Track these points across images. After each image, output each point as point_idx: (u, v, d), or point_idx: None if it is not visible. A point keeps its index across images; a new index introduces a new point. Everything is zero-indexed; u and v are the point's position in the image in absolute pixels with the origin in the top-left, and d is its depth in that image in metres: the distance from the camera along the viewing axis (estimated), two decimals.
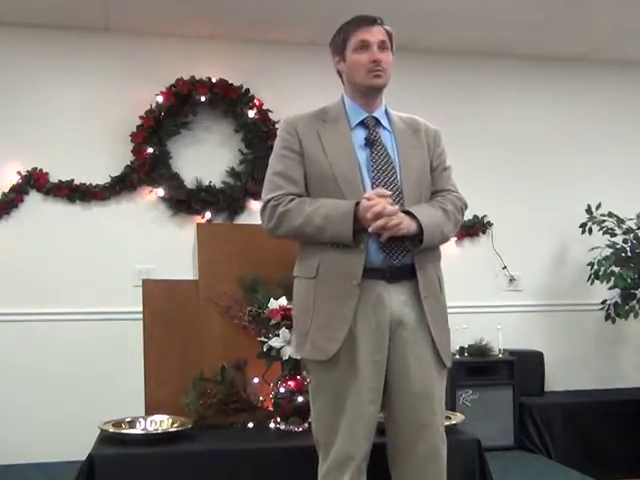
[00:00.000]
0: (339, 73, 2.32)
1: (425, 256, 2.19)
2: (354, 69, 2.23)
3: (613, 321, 4.58)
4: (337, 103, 2.32)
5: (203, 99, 4.37)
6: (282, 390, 2.69)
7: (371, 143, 2.23)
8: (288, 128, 2.27)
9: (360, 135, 2.25)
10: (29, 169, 4.20)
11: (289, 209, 2.16)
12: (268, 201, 2.20)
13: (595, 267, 4.52)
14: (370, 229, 2.07)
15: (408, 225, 2.11)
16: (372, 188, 2.15)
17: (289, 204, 2.17)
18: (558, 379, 4.69)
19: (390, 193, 2.12)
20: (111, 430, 2.64)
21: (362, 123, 2.26)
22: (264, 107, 4.45)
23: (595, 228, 4.57)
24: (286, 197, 2.18)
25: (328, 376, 2.13)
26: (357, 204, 2.10)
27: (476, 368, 4.25)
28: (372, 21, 2.23)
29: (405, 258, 2.16)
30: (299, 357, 2.25)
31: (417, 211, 2.15)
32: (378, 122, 2.28)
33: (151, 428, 2.71)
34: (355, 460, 2.11)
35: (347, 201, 2.12)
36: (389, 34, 2.26)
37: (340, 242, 2.11)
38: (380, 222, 2.05)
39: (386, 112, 2.32)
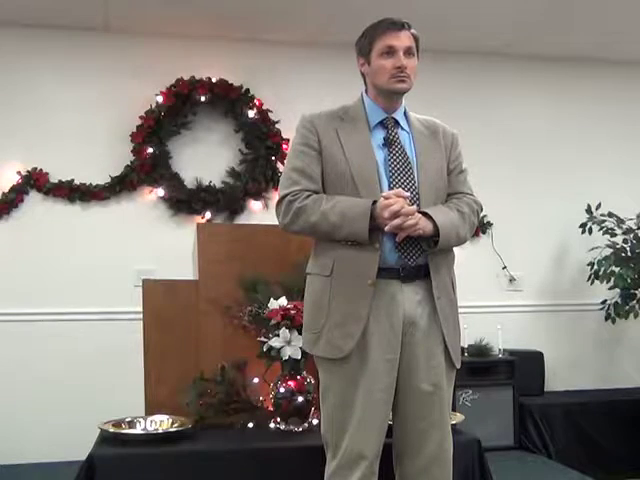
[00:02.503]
0: (362, 74, 2.32)
1: (439, 257, 2.20)
2: (378, 73, 2.22)
3: (613, 321, 4.58)
4: (356, 102, 2.31)
5: (203, 99, 4.37)
6: (282, 390, 2.69)
7: (389, 143, 2.23)
8: (307, 125, 2.25)
9: (379, 135, 2.25)
10: (29, 169, 4.20)
11: (305, 205, 2.16)
12: (284, 196, 2.19)
13: (595, 267, 4.53)
14: (386, 228, 2.08)
15: (424, 226, 2.12)
16: (389, 188, 2.16)
17: (305, 200, 2.16)
18: (558, 379, 4.69)
19: (409, 195, 2.12)
20: (111, 430, 2.63)
21: (381, 123, 2.26)
22: (264, 107, 4.45)
23: (595, 228, 4.57)
24: (303, 193, 2.18)
25: (340, 375, 2.13)
26: (374, 203, 2.10)
27: (476, 368, 4.25)
28: (400, 26, 2.21)
29: (419, 258, 2.17)
30: (312, 354, 2.23)
31: (433, 212, 2.16)
32: (397, 123, 2.28)
33: (151, 428, 2.70)
34: (366, 459, 2.10)
35: (364, 199, 2.13)
36: (416, 39, 2.25)
37: (355, 240, 2.11)
38: (397, 221, 2.06)
39: (405, 114, 2.32)
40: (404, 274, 2.15)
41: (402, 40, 2.20)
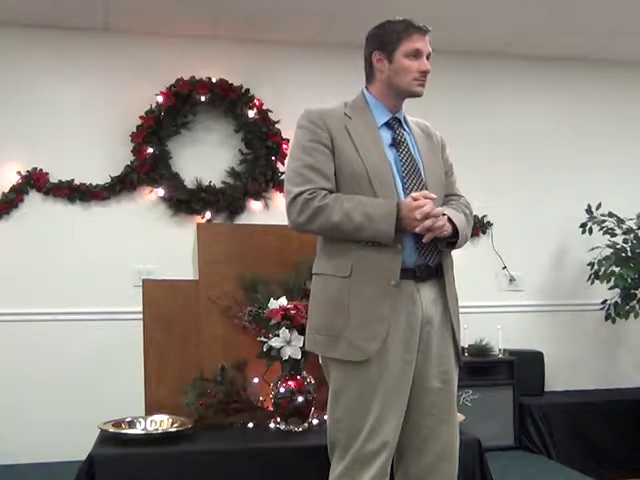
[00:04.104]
0: (371, 67, 2.27)
1: (447, 257, 2.24)
2: (401, 74, 2.21)
3: (613, 321, 4.58)
4: (359, 100, 2.29)
5: (203, 99, 4.37)
6: (282, 390, 2.69)
7: (397, 144, 2.23)
8: (316, 120, 2.20)
9: (386, 135, 2.24)
10: (29, 169, 4.20)
11: (326, 204, 2.11)
12: (300, 194, 2.13)
13: (595, 267, 4.53)
14: (417, 229, 2.07)
15: (448, 227, 2.15)
16: (403, 189, 2.17)
17: (325, 199, 2.12)
18: (558, 379, 4.69)
19: (435, 196, 2.13)
20: (111, 430, 2.63)
21: (386, 123, 2.26)
22: (264, 107, 4.45)
23: (595, 228, 4.57)
24: (320, 192, 2.13)
25: (356, 376, 2.11)
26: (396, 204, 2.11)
27: (476, 368, 4.25)
28: (426, 31, 2.24)
29: (436, 259, 2.19)
30: (329, 357, 2.18)
31: (450, 213, 2.18)
32: (400, 124, 2.29)
33: (151, 428, 2.71)
34: (379, 458, 2.09)
35: (386, 200, 2.11)
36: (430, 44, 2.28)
37: (380, 241, 2.10)
38: (428, 222, 2.06)
39: (404, 115, 2.34)
40: (420, 274, 2.16)
41: (427, 45, 2.24)
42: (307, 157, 2.18)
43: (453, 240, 2.19)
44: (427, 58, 2.24)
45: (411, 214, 2.07)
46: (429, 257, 2.17)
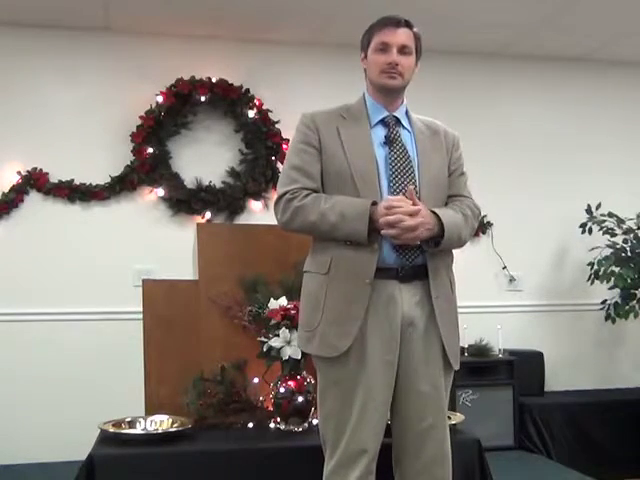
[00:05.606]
0: (363, 69, 2.34)
1: (438, 258, 2.20)
2: (371, 67, 2.25)
3: (613, 321, 4.58)
4: (358, 101, 2.32)
5: (203, 99, 4.37)
6: (282, 390, 2.69)
7: (390, 141, 2.23)
8: (308, 123, 2.25)
9: (380, 133, 2.25)
10: (29, 169, 4.20)
11: (304, 204, 2.15)
12: (283, 194, 2.19)
13: (595, 267, 4.53)
14: (383, 232, 2.08)
15: (433, 224, 2.12)
16: (389, 187, 2.16)
17: (305, 199, 2.16)
18: (558, 379, 4.69)
19: (409, 203, 2.09)
20: (111, 430, 2.63)
21: (382, 121, 2.27)
22: (264, 107, 4.45)
23: (595, 228, 4.57)
24: (302, 191, 2.17)
25: (338, 374, 2.13)
26: (373, 203, 2.10)
27: (476, 368, 4.25)
28: (397, 23, 2.23)
29: (418, 258, 2.17)
30: (306, 352, 2.22)
31: (440, 212, 2.16)
32: (398, 121, 2.28)
33: (151, 428, 2.71)
34: (364, 458, 2.10)
35: (362, 200, 2.12)
36: (416, 37, 2.26)
37: (355, 240, 2.11)
38: (392, 231, 2.06)
39: (407, 113, 2.33)
40: (403, 274, 2.15)
41: (398, 37, 2.21)
42: (294, 158, 2.24)
43: (439, 240, 2.15)
44: (402, 51, 2.22)
45: (378, 218, 2.08)
46: (409, 257, 2.15)
